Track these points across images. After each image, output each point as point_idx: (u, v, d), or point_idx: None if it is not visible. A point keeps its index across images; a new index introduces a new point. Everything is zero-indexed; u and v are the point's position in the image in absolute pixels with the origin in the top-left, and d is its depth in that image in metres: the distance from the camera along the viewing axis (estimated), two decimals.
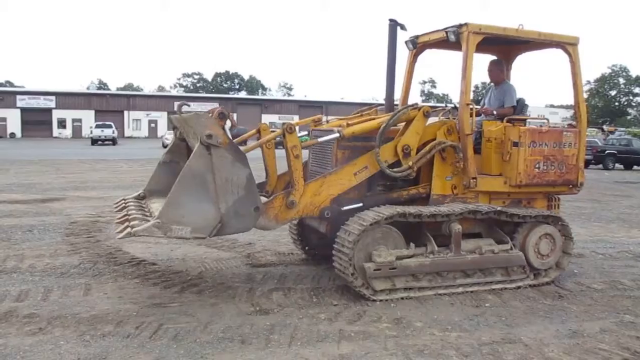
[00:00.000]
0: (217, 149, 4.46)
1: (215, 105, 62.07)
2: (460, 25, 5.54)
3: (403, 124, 5.46)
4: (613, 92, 72.80)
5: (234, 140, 4.62)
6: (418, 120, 5.39)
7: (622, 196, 14.88)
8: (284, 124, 5.18)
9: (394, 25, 5.72)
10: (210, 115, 4.59)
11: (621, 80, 72.95)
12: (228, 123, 4.72)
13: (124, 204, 5.47)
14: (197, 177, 4.45)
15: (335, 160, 5.40)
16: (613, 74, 72.73)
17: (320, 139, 5.29)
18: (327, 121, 6.16)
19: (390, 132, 5.39)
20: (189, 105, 5.61)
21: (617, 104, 72.56)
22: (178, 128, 5.68)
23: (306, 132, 6.37)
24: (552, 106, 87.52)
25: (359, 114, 6.41)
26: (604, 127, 52.04)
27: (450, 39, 5.63)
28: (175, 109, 5.38)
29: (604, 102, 66.43)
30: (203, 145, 4.44)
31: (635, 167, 28.18)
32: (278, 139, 5.21)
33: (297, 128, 5.08)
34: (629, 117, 73.09)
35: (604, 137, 34.32)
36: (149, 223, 4.35)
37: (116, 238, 4.64)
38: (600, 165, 26.99)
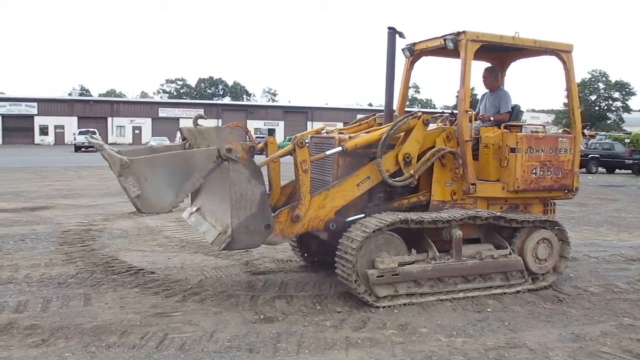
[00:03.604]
0: (235, 163, 4.48)
1: (201, 110, 61.94)
2: (459, 33, 5.60)
3: (403, 132, 5.49)
4: (593, 97, 73.72)
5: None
6: (418, 129, 5.43)
7: (608, 200, 15.11)
8: (294, 137, 5.19)
9: (392, 33, 5.74)
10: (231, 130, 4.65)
11: (601, 85, 73.95)
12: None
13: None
14: (186, 167, 4.44)
15: (337, 168, 5.42)
16: (593, 79, 73.66)
17: (327, 152, 5.31)
18: (327, 132, 6.17)
19: (391, 140, 5.43)
20: (205, 118, 5.61)
21: (597, 108, 73.47)
22: (188, 139, 5.65)
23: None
24: (533, 110, 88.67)
25: (357, 124, 6.45)
26: (585, 131, 52.78)
27: (448, 47, 5.69)
28: (192, 120, 5.40)
29: (585, 107, 67.32)
30: (218, 154, 4.44)
31: (617, 170, 28.65)
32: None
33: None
34: (608, 122, 74.13)
35: (585, 142, 34.83)
36: (118, 156, 4.27)
37: (87, 138, 4.55)
38: (584, 169, 27.37)
